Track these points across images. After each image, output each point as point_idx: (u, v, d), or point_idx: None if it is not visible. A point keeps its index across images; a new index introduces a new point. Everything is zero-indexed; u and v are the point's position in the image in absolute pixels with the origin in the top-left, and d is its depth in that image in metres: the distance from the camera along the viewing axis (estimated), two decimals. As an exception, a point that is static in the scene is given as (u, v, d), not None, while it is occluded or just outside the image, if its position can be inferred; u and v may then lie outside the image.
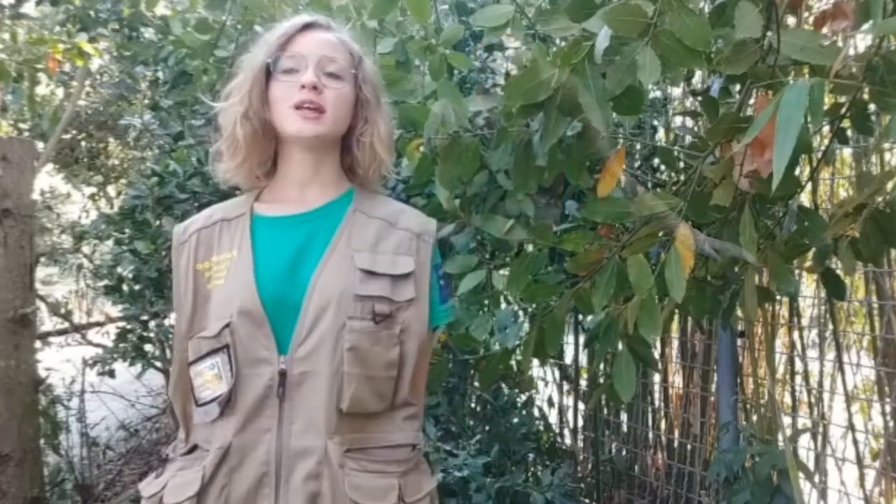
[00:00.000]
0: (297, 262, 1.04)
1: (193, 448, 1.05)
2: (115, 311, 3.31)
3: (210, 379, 1.01)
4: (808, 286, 2.36)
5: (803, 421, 2.22)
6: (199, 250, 1.08)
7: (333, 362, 0.99)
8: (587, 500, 2.80)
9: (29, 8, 3.46)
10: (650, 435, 2.86)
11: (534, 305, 1.49)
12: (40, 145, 4.11)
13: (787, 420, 2.20)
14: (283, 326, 1.01)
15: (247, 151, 1.08)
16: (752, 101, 1.23)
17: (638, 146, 2.20)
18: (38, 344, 2.59)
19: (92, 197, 5.39)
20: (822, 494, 2.10)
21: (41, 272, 4.75)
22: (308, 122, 1.04)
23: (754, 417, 2.37)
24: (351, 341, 0.99)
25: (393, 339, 1.03)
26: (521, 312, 1.59)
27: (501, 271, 1.61)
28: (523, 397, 2.83)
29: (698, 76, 2.17)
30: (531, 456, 2.69)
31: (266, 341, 1.00)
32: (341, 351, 0.99)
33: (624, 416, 2.91)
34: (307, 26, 1.09)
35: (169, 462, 1.08)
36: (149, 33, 2.86)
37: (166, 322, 2.53)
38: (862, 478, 2.07)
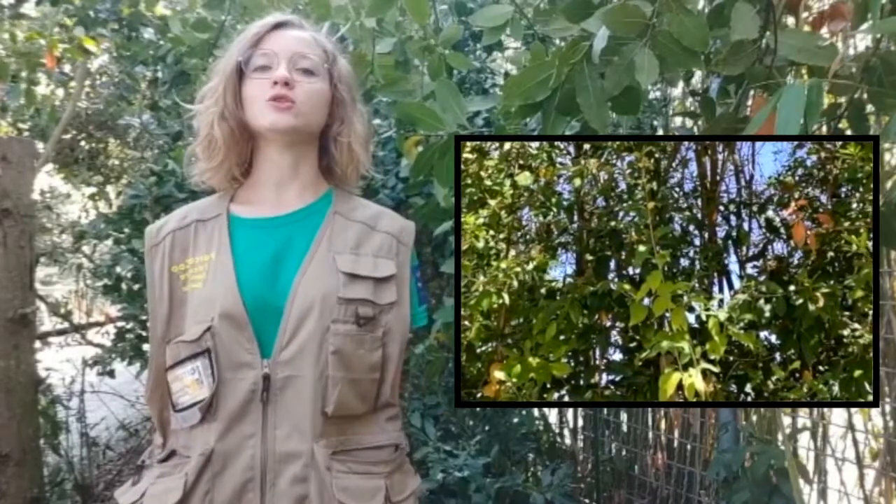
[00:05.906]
0: (277, 264, 1.03)
1: (171, 454, 1.03)
2: (114, 310, 3.31)
3: (189, 384, 0.99)
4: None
5: (803, 420, 2.22)
6: (174, 252, 1.06)
7: (318, 366, 0.98)
8: (587, 500, 2.79)
9: (29, 8, 3.47)
10: (650, 435, 2.86)
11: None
12: (40, 145, 4.11)
13: (786, 419, 2.19)
14: (266, 330, 0.99)
15: (225, 152, 1.07)
16: (749, 102, 1.23)
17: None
18: (37, 344, 2.59)
19: (92, 197, 5.39)
20: (822, 494, 2.09)
21: (41, 272, 4.75)
22: (282, 112, 1.02)
23: (754, 417, 2.36)
24: (335, 344, 0.98)
25: (376, 342, 1.02)
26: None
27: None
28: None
29: (698, 76, 2.17)
30: (531, 456, 2.68)
31: (249, 345, 0.98)
32: (326, 354, 0.98)
33: (624, 416, 2.90)
34: (279, 25, 1.08)
35: (145, 469, 1.06)
36: (148, 33, 2.87)
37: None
38: (862, 478, 2.07)
